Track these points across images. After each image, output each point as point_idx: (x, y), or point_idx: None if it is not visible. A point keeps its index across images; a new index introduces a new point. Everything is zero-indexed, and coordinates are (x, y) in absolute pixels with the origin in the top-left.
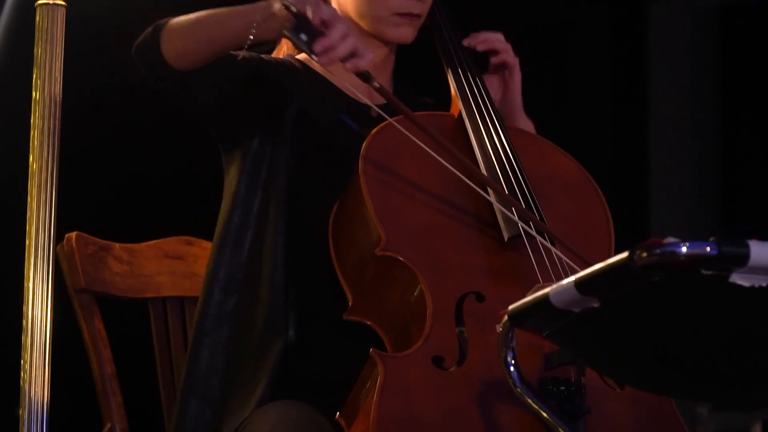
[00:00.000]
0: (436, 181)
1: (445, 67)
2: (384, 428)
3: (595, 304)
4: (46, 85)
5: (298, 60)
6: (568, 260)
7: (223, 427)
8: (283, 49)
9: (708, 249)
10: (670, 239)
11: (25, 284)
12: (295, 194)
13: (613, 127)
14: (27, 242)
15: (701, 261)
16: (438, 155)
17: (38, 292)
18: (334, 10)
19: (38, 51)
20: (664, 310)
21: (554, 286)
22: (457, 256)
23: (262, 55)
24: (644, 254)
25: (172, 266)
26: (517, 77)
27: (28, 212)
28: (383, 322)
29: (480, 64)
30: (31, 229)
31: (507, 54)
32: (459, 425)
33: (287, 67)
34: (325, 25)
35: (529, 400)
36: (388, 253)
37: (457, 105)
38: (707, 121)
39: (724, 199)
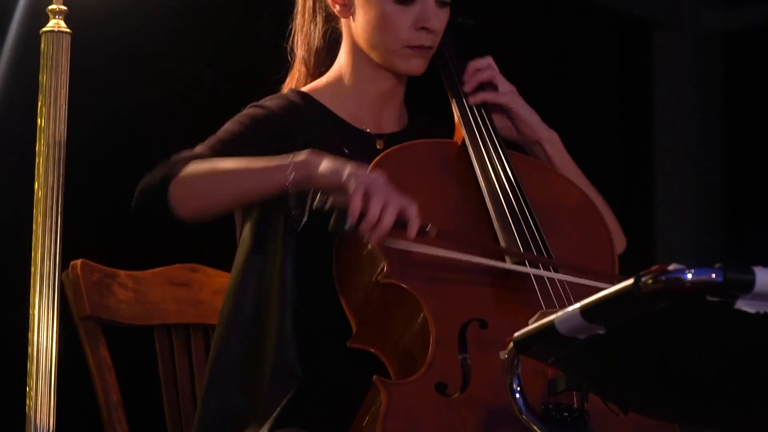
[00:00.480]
0: (439, 208)
1: (449, 95)
2: None
3: (601, 331)
4: (52, 112)
5: (299, 93)
6: (570, 287)
7: None
8: (296, 77)
9: (713, 276)
10: (675, 266)
11: (31, 311)
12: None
13: (620, 151)
14: (32, 269)
15: (706, 288)
16: (442, 184)
17: (44, 319)
18: (366, 173)
19: (43, 78)
20: (670, 336)
21: (560, 313)
22: (461, 283)
23: (258, 111)
24: (649, 281)
25: (178, 293)
26: (513, 102)
27: (34, 239)
28: (387, 349)
29: (484, 88)
30: (37, 256)
31: (492, 71)
32: None
33: (284, 108)
34: (364, 197)
35: (535, 427)
36: (392, 281)
37: (461, 132)
38: (712, 145)
39: (730, 222)
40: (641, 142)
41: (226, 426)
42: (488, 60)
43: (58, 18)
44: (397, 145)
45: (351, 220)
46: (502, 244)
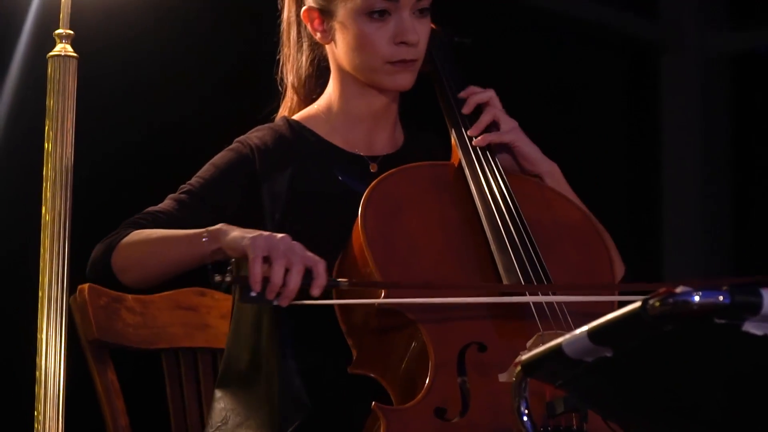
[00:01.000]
0: (436, 231)
1: (445, 116)
2: None
3: (608, 354)
4: (59, 136)
5: (289, 122)
6: (568, 308)
7: None
8: (289, 105)
9: (721, 298)
10: (683, 288)
11: (39, 335)
12: None
13: (628, 173)
14: (40, 294)
15: (714, 310)
16: (439, 207)
17: (51, 343)
18: (269, 236)
19: (50, 103)
20: (677, 358)
21: (567, 335)
22: (459, 306)
23: (240, 148)
24: (657, 304)
25: (185, 317)
26: (517, 139)
27: (41, 264)
28: (387, 374)
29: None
30: (44, 280)
31: (494, 109)
32: None
33: (269, 142)
34: (266, 261)
35: None
36: (389, 306)
37: (458, 154)
38: (719, 168)
39: (736, 244)
40: (649, 164)
41: None
42: (490, 94)
43: (65, 42)
44: (391, 170)
45: (254, 288)
46: (499, 265)
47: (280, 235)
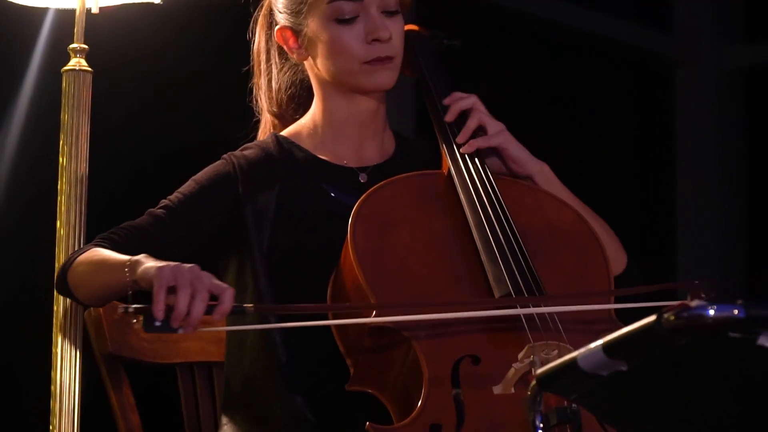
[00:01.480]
0: (426, 244)
1: (434, 125)
2: None
3: (623, 368)
4: (73, 150)
5: (278, 138)
6: (559, 317)
7: None
8: (267, 127)
9: (735, 312)
10: (698, 302)
11: (53, 350)
12: (288, 271)
13: (642, 187)
14: (55, 308)
15: (729, 324)
16: (429, 219)
17: (66, 358)
18: (176, 266)
19: (65, 117)
20: (692, 372)
21: (582, 349)
22: (451, 320)
23: (222, 166)
24: (671, 317)
25: (200, 332)
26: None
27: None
28: (384, 390)
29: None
30: (59, 295)
31: (479, 113)
32: None
33: (255, 160)
34: (171, 291)
35: None
36: (381, 323)
37: (447, 162)
38: (734, 181)
39: (751, 257)
40: (663, 177)
41: None
42: (473, 99)
43: (80, 57)
44: (379, 184)
45: (157, 317)
46: (489, 275)
47: (188, 266)
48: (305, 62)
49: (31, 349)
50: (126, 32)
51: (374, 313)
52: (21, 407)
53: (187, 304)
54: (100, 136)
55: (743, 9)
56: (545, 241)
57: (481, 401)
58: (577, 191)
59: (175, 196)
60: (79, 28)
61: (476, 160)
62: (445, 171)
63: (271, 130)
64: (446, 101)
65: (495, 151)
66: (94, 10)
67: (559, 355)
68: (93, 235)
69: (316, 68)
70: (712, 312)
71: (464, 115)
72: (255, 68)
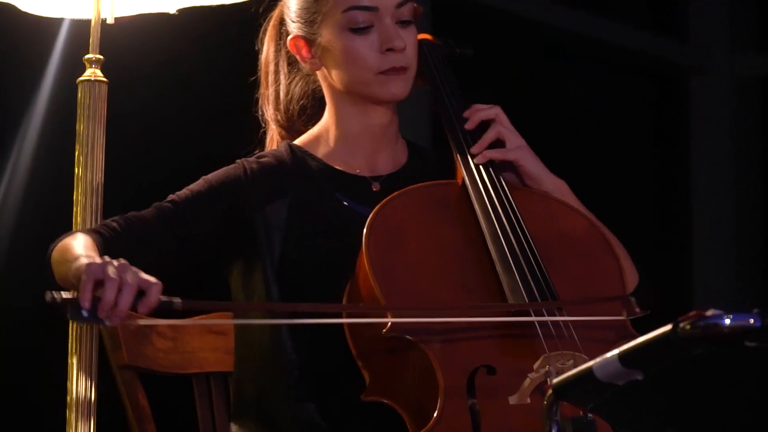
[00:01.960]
0: (440, 254)
1: (447, 135)
2: None
3: (639, 377)
4: (89, 161)
5: (291, 147)
6: (574, 326)
7: None
8: (276, 138)
9: (751, 321)
10: (713, 311)
11: (69, 360)
12: (295, 291)
13: (658, 196)
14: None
15: (744, 333)
16: (442, 229)
17: (82, 368)
18: (104, 262)
19: (80, 127)
20: (707, 381)
21: (598, 359)
22: (465, 331)
23: (234, 171)
24: (687, 326)
25: (216, 342)
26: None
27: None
28: (400, 400)
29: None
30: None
31: (500, 126)
32: None
33: (268, 167)
34: (99, 285)
35: None
36: (395, 334)
37: (461, 172)
38: (750, 190)
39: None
40: (679, 186)
41: None
42: (496, 110)
43: (95, 67)
44: (393, 194)
45: (83, 305)
46: (504, 285)
47: (117, 261)
48: (318, 72)
49: (47, 360)
50: (141, 43)
51: (389, 320)
52: (38, 418)
53: (114, 296)
54: (116, 147)
55: (758, 17)
56: (559, 250)
57: (497, 411)
58: (591, 199)
59: (183, 192)
60: (94, 39)
61: (490, 170)
62: (458, 181)
63: (279, 141)
64: (467, 113)
65: (511, 166)
66: (109, 21)
67: (575, 365)
68: (108, 244)
69: (329, 78)
70: (728, 321)
71: (483, 126)
72: (262, 79)
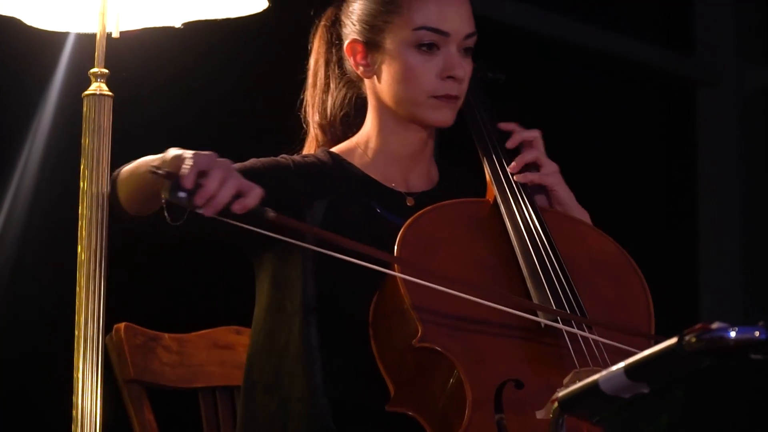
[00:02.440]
0: (471, 268)
1: (480, 153)
2: None
3: (645, 390)
4: (94, 174)
5: (329, 153)
6: (604, 345)
7: None
8: (313, 145)
9: (757, 334)
10: (719, 324)
11: (75, 375)
12: (330, 288)
13: (665, 208)
14: (76, 333)
15: (750, 346)
16: (473, 245)
17: (88, 382)
18: (212, 154)
19: (86, 141)
20: (713, 394)
21: (604, 372)
22: (495, 344)
23: (283, 160)
24: (693, 339)
25: (222, 356)
26: (556, 183)
27: (77, 303)
28: (425, 412)
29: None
30: (80, 319)
31: (537, 151)
32: None
33: (312, 166)
34: (202, 175)
35: None
36: (426, 344)
37: (493, 191)
38: (758, 202)
39: None
40: (686, 199)
41: None
42: (536, 134)
43: (100, 81)
44: (427, 208)
45: (185, 184)
46: (535, 301)
47: (223, 159)
48: (367, 80)
49: (52, 374)
50: (146, 57)
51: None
52: None
53: (217, 187)
54: (121, 160)
55: (765, 30)
56: (588, 271)
57: (524, 426)
58: (599, 210)
59: (237, 165)
60: (99, 53)
61: (522, 190)
62: (490, 199)
63: (316, 147)
64: (506, 128)
65: (542, 190)
66: (115, 35)
67: None
68: (114, 259)
69: (378, 89)
70: (733, 334)
71: (517, 148)
72: (310, 79)
